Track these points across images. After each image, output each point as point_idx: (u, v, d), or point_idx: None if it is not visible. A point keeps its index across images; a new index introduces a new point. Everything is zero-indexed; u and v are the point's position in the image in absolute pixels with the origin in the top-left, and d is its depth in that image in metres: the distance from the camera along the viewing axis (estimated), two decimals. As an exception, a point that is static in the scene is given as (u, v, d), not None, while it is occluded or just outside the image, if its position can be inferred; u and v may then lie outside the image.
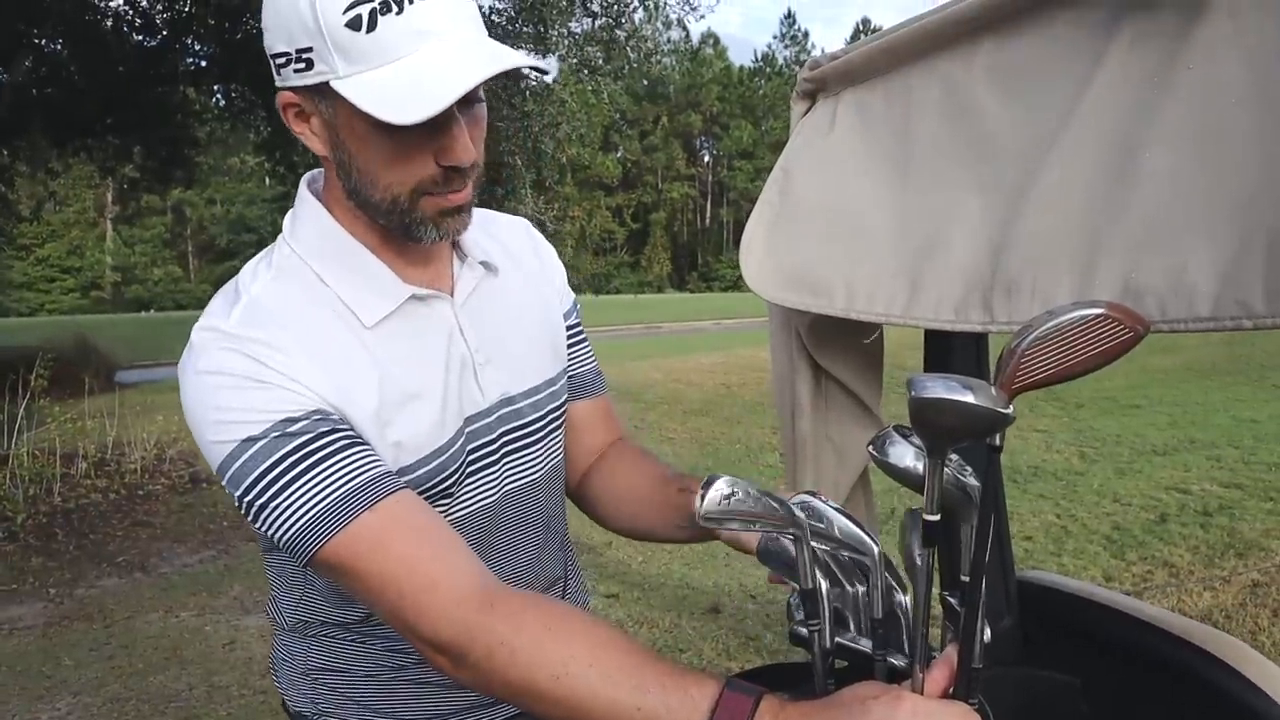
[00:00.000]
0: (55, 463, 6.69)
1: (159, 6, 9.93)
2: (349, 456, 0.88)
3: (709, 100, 65.42)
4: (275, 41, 0.88)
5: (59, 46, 9.74)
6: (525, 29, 9.29)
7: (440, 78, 0.83)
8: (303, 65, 0.86)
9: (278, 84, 0.91)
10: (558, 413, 1.16)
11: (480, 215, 1.16)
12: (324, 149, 0.93)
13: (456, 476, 1.01)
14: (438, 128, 0.86)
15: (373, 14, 0.82)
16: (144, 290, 54.82)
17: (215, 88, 11.21)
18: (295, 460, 0.86)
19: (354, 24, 0.82)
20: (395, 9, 0.82)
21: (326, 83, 0.85)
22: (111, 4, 9.73)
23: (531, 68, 0.89)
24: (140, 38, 10.04)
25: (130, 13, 9.89)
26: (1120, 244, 0.83)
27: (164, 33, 9.93)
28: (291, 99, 0.90)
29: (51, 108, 9.57)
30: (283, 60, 0.88)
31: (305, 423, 0.88)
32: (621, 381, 11.02)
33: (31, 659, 3.94)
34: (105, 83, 9.34)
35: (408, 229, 0.94)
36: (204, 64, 10.51)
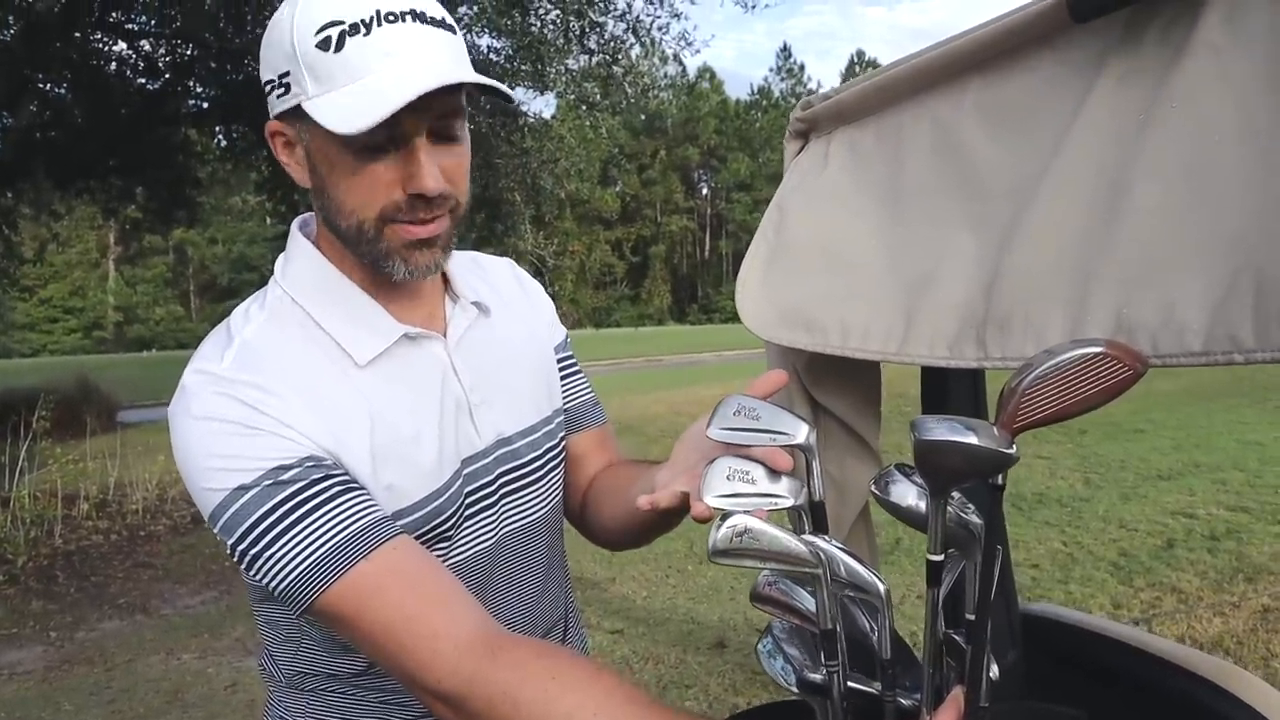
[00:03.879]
0: (57, 504, 6.68)
1: (162, 50, 10.07)
2: (344, 503, 0.87)
3: (706, 133, 66.12)
4: (265, 70, 0.90)
5: (63, 90, 9.86)
6: (523, 67, 9.39)
7: (393, 89, 0.83)
8: (282, 90, 0.88)
9: (269, 113, 0.93)
10: (555, 452, 1.14)
11: (468, 257, 1.16)
12: (304, 177, 0.94)
13: (454, 520, 0.99)
14: (404, 154, 0.87)
15: (341, 35, 0.84)
16: (146, 330, 55.11)
17: (217, 129, 11.33)
18: (289, 509, 0.85)
19: (323, 45, 0.84)
20: (363, 31, 0.84)
21: (299, 105, 0.86)
22: (115, 48, 9.88)
23: (490, 87, 0.87)
24: (143, 80, 10.16)
25: (134, 56, 10.03)
26: (1111, 279, 0.84)
27: (166, 75, 10.05)
28: (277, 127, 0.93)
29: (55, 150, 9.66)
30: (269, 87, 0.90)
31: (298, 470, 0.87)
32: (623, 415, 11.01)
33: (31, 705, 3.90)
34: (108, 125, 9.44)
35: (375, 261, 0.94)
36: (206, 106, 10.63)
